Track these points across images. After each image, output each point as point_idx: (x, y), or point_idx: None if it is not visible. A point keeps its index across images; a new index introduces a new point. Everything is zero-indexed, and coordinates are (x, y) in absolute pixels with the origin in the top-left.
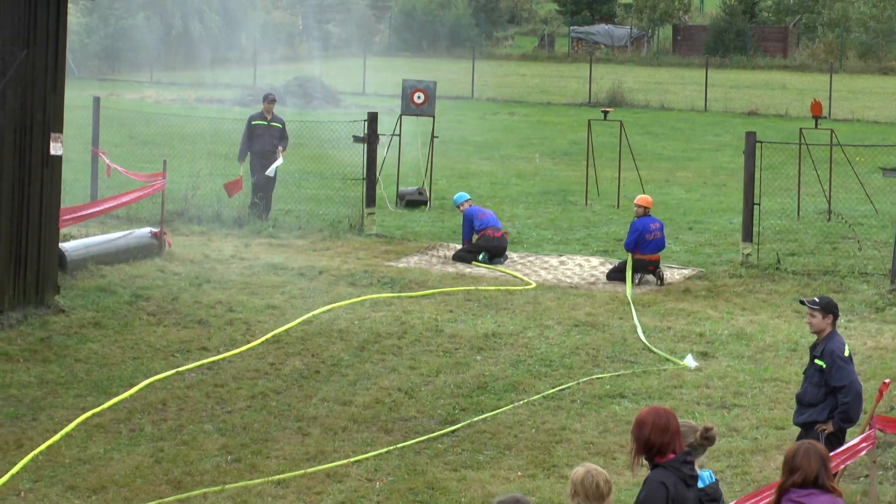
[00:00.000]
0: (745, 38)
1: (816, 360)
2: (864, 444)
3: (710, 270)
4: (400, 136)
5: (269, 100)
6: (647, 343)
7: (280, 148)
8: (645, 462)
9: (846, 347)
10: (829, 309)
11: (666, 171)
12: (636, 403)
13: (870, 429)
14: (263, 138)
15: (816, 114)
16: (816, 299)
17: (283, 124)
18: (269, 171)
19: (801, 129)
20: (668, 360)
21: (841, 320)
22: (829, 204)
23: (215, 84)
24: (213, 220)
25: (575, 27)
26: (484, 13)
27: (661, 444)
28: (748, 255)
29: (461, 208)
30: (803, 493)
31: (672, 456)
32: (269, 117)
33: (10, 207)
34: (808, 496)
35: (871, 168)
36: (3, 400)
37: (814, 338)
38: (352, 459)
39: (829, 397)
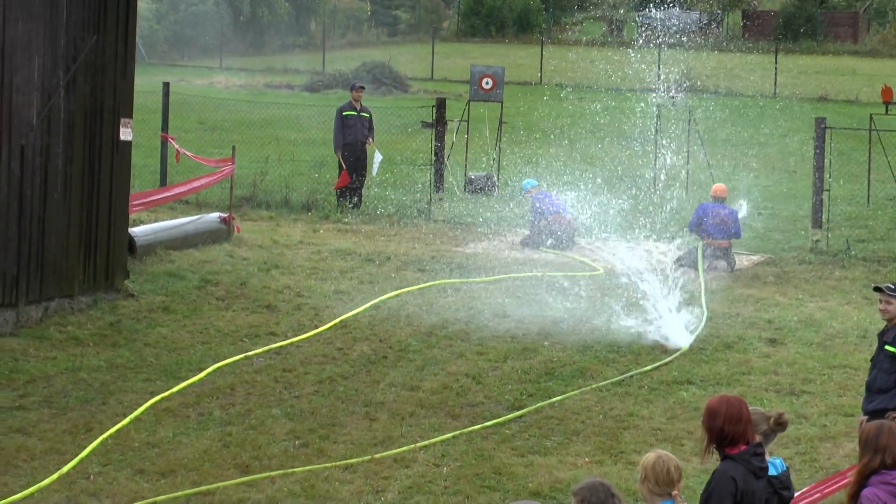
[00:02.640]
0: (815, 24)
1: (887, 347)
2: None
3: (780, 257)
4: (468, 121)
5: (357, 88)
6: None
7: (370, 140)
8: (714, 451)
9: None
10: None
11: (735, 156)
12: (704, 390)
13: None
14: (355, 128)
15: (887, 99)
16: (892, 285)
17: (371, 115)
18: (374, 170)
19: (871, 114)
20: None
21: None
22: None
23: (284, 70)
24: (281, 205)
25: (643, 13)
26: None
27: (733, 434)
28: (817, 241)
29: (529, 194)
30: (895, 475)
31: (743, 447)
32: (358, 107)
33: (80, 193)
34: None
35: None
36: (74, 384)
37: (883, 324)
38: (419, 444)
39: None
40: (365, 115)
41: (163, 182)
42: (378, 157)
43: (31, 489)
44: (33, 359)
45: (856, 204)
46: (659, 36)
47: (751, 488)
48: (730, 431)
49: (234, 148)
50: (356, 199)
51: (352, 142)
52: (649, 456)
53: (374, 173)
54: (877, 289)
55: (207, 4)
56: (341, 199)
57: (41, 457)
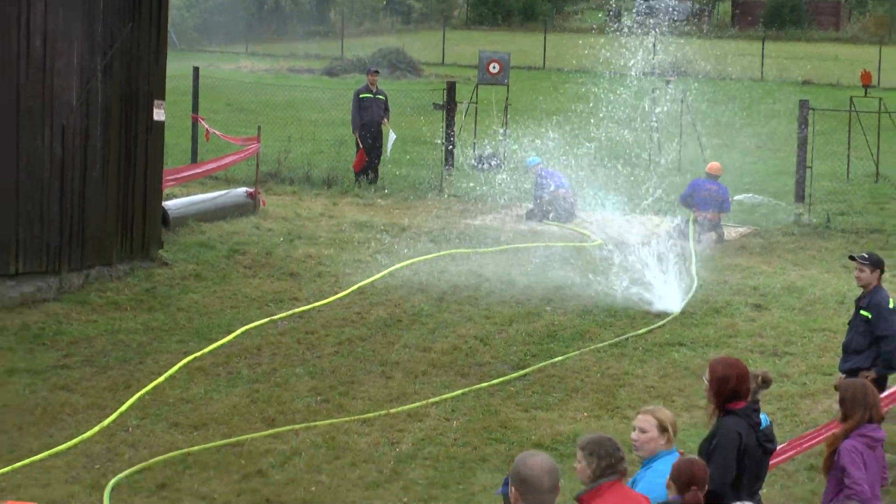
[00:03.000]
0: (801, 13)
1: (862, 312)
2: None
3: (765, 229)
4: (476, 103)
5: (373, 72)
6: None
7: (385, 120)
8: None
9: (891, 300)
10: (876, 264)
11: (725, 136)
12: (694, 351)
13: None
14: (372, 110)
15: (866, 83)
16: (865, 255)
17: (386, 97)
18: (389, 148)
19: (851, 97)
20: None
21: (886, 275)
22: (877, 167)
23: (305, 55)
24: (303, 181)
25: (640, 1)
26: None
27: (741, 391)
28: (800, 214)
29: (533, 170)
30: (871, 428)
31: (743, 403)
32: (374, 90)
33: (117, 169)
34: (875, 430)
35: None
36: (113, 345)
37: (860, 291)
38: (431, 401)
39: (872, 346)
40: (380, 97)
41: (194, 159)
42: (392, 137)
43: (75, 440)
44: (75, 322)
45: (836, 180)
46: (653, 24)
47: (752, 442)
48: (738, 389)
49: (259, 128)
50: (373, 175)
51: (368, 122)
52: (666, 412)
53: (388, 152)
54: (851, 258)
55: None
56: (360, 175)
57: (83, 411)
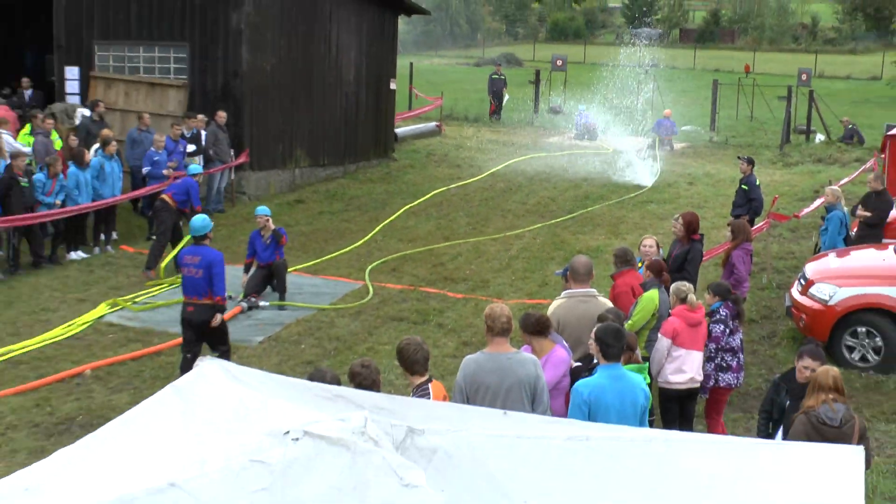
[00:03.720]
0: (715, 34)
1: (743, 186)
2: (763, 225)
3: (694, 144)
4: (550, 81)
5: (498, 64)
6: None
7: (504, 89)
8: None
9: (757, 180)
10: (750, 161)
11: (675, 100)
12: (659, 206)
13: (767, 219)
14: (497, 83)
15: (747, 71)
16: (745, 156)
17: (505, 77)
18: (504, 101)
19: (739, 78)
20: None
21: (756, 167)
22: (752, 113)
23: (466, 56)
24: (462, 119)
25: (634, 30)
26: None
27: (696, 227)
28: (713, 137)
29: (577, 113)
30: (748, 245)
31: (698, 235)
32: (499, 73)
33: (373, 115)
34: (748, 245)
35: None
36: (370, 200)
37: (741, 176)
38: (526, 229)
39: (746, 204)
40: (502, 76)
41: (409, 107)
42: (506, 97)
43: (349, 247)
44: (351, 188)
45: (731, 120)
46: (642, 40)
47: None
48: (696, 226)
49: (441, 93)
50: (497, 116)
51: (496, 91)
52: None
53: (503, 102)
54: (738, 157)
55: (439, 15)
56: (492, 116)
57: (355, 233)
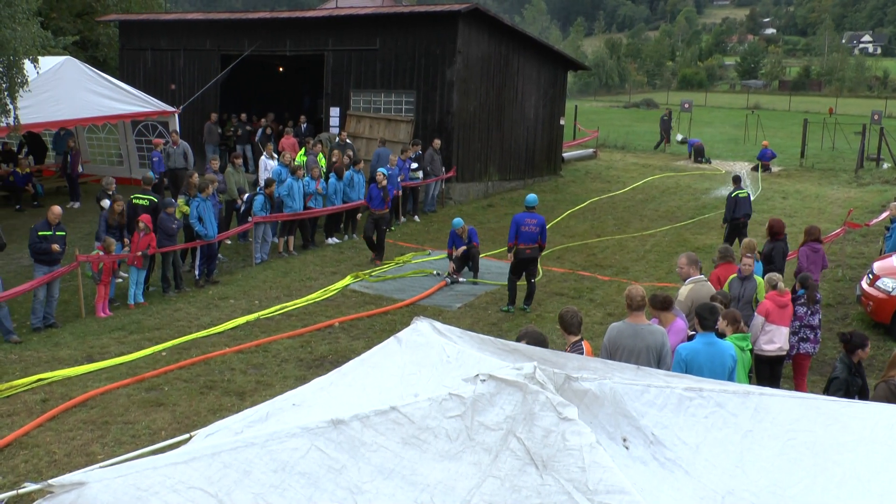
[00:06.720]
0: (704, 82)
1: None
2: (839, 231)
3: (788, 168)
4: (679, 121)
5: (668, 109)
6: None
7: (669, 128)
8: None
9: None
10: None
11: (707, 131)
12: (759, 214)
13: (843, 227)
14: (665, 123)
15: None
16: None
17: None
18: (672, 140)
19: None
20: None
21: (835, 187)
22: (804, 148)
23: (618, 101)
24: (612, 147)
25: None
26: None
27: (780, 231)
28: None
29: (690, 141)
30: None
31: (782, 235)
32: (668, 114)
33: (546, 142)
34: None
35: None
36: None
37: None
38: (658, 230)
39: None
40: (669, 118)
41: (572, 138)
42: (679, 136)
43: None
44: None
45: (817, 150)
46: (748, 88)
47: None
48: (780, 231)
49: (598, 128)
50: (663, 145)
51: (665, 128)
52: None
53: (671, 138)
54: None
55: (598, 70)
56: (658, 146)
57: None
